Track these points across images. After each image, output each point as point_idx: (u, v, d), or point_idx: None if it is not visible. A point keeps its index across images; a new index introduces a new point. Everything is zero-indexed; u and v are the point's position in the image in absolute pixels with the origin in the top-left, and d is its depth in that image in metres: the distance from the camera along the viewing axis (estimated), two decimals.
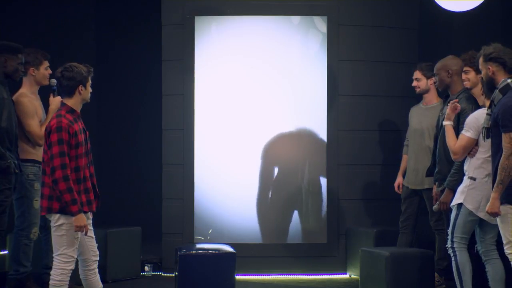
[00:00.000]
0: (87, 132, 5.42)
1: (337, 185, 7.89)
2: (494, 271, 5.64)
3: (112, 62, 9.53)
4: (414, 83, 7.13)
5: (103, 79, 9.27)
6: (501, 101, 5.21)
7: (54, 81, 5.49)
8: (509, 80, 5.24)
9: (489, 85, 5.35)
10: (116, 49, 9.56)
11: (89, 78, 5.37)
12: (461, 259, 5.67)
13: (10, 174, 6.23)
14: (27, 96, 6.55)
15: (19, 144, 6.47)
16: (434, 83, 6.57)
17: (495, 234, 5.74)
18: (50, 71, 6.55)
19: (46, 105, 6.62)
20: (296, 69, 7.88)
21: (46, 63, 6.65)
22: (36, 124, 6.49)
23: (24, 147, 6.51)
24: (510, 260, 5.25)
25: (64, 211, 5.19)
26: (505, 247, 5.24)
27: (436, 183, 6.30)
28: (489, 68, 5.29)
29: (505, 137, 5.13)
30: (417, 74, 7.09)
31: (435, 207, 6.26)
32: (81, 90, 5.32)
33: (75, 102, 5.33)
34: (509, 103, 5.15)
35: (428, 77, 7.02)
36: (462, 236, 5.66)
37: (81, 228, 5.18)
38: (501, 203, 5.20)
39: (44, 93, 6.67)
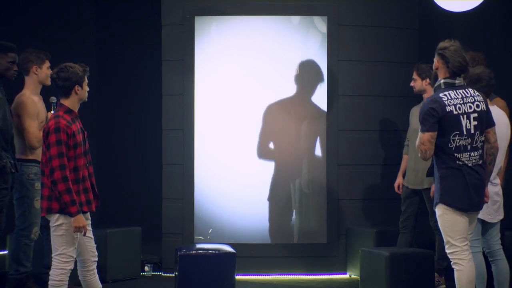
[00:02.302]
0: (85, 132, 5.41)
1: (337, 185, 7.90)
2: (498, 271, 5.63)
3: (112, 62, 9.53)
4: (411, 83, 7.16)
5: (103, 80, 9.29)
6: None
7: (53, 98, 5.50)
8: (442, 81, 5.28)
9: (434, 79, 5.42)
10: (116, 50, 9.56)
11: (85, 77, 5.35)
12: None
13: (6, 174, 6.23)
14: (30, 97, 6.55)
15: (20, 144, 6.48)
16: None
17: (498, 233, 5.74)
18: (51, 71, 6.55)
19: (48, 107, 6.62)
20: (296, 69, 7.88)
21: (48, 63, 6.66)
22: (35, 126, 6.49)
23: (24, 147, 6.52)
24: (450, 259, 5.25)
25: (64, 211, 5.19)
26: (445, 246, 5.26)
27: None
28: (435, 62, 5.34)
29: None
30: (413, 74, 7.13)
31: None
32: (78, 90, 5.31)
33: (72, 103, 5.32)
34: (425, 104, 5.25)
35: (423, 78, 7.03)
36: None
37: (80, 229, 5.17)
38: (437, 203, 5.25)
39: (45, 94, 6.69)
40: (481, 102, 5.26)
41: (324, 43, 7.89)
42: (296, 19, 7.90)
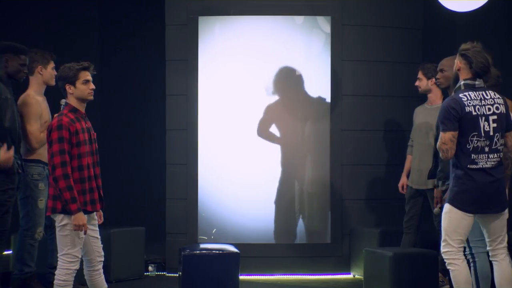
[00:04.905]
0: (94, 133, 5.40)
1: (341, 185, 7.89)
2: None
3: (116, 62, 9.53)
4: (416, 83, 7.16)
5: (107, 79, 9.28)
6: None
7: (63, 100, 5.52)
8: (462, 82, 5.30)
9: (455, 81, 5.43)
10: (120, 49, 9.56)
11: (81, 75, 5.28)
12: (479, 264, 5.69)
13: (13, 174, 6.24)
14: (35, 98, 6.57)
15: (23, 144, 6.49)
16: (437, 79, 6.56)
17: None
18: (55, 72, 6.57)
19: (52, 107, 6.62)
20: (300, 69, 7.88)
21: (52, 63, 6.68)
22: (37, 127, 6.51)
23: (28, 147, 6.53)
24: (444, 258, 5.30)
25: (65, 209, 5.17)
26: (441, 244, 5.32)
27: (440, 182, 6.26)
28: (457, 63, 5.34)
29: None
30: (419, 74, 7.12)
31: (436, 209, 6.28)
32: (69, 88, 5.30)
33: (72, 101, 5.32)
34: (445, 103, 5.27)
35: (428, 78, 7.03)
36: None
37: (79, 227, 5.15)
38: (447, 202, 5.31)
39: (50, 95, 6.69)
40: (501, 105, 5.28)
41: (328, 43, 7.89)
42: (299, 19, 7.90)
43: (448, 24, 8.48)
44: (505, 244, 5.36)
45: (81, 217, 5.16)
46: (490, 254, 5.38)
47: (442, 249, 5.30)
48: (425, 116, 7.09)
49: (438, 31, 8.58)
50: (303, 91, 7.91)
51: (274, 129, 7.89)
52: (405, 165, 7.32)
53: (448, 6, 7.02)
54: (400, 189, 7.32)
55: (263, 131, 7.85)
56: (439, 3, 7.04)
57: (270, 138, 7.86)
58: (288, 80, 7.88)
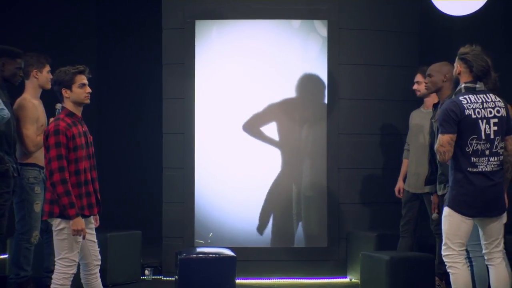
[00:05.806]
0: (90, 137, 5.40)
1: (338, 189, 7.89)
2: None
3: (113, 66, 9.54)
4: (415, 86, 7.14)
5: (104, 83, 9.30)
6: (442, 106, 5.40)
7: (59, 105, 5.51)
8: (463, 85, 5.30)
9: (455, 84, 5.44)
10: (116, 53, 9.58)
11: (77, 78, 5.26)
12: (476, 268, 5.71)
13: (8, 178, 6.24)
14: (31, 101, 6.57)
15: (19, 148, 6.49)
16: (426, 84, 6.56)
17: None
18: (51, 76, 6.56)
19: (48, 110, 6.62)
20: (297, 72, 7.89)
21: (48, 67, 6.68)
22: (33, 130, 6.51)
23: (24, 151, 6.52)
24: (445, 262, 5.32)
25: (63, 214, 5.18)
26: (442, 247, 5.34)
27: (441, 185, 6.24)
28: (457, 67, 5.35)
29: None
30: (418, 77, 7.10)
31: (434, 215, 6.26)
32: (65, 92, 5.29)
33: (69, 105, 5.31)
34: (445, 106, 5.27)
35: None
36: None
37: (78, 232, 5.16)
38: (446, 205, 5.32)
39: (46, 99, 6.69)
40: (502, 108, 5.28)
41: (325, 46, 7.89)
42: (296, 23, 7.91)
43: (444, 28, 8.49)
44: (501, 248, 5.36)
45: (80, 222, 5.16)
46: (486, 257, 5.38)
47: (443, 253, 5.31)
48: (421, 119, 7.09)
49: (435, 35, 8.59)
50: (300, 94, 7.90)
51: (271, 132, 7.88)
52: (402, 169, 7.32)
53: (444, 10, 7.03)
54: (396, 193, 7.32)
55: (251, 127, 7.82)
56: (435, 7, 7.05)
57: (259, 135, 7.85)
58: (285, 84, 7.88)
